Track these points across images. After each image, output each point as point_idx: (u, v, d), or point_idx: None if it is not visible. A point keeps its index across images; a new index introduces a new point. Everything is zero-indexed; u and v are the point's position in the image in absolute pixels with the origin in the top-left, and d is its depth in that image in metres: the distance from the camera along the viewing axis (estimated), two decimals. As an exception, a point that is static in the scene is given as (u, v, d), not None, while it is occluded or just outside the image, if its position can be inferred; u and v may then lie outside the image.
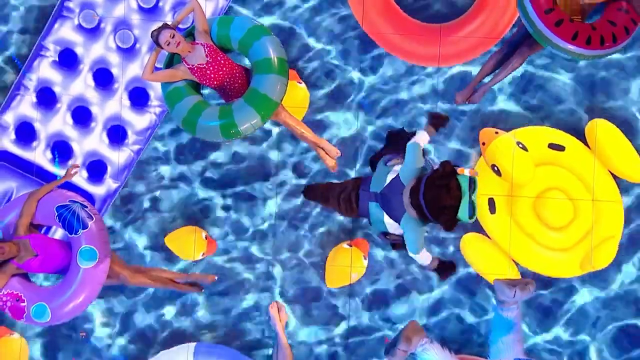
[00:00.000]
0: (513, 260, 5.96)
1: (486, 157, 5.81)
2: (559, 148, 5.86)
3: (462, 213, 4.66)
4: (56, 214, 5.30)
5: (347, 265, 6.14)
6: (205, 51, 5.44)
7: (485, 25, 6.06)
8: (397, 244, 5.42)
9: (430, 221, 4.89)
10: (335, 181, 5.91)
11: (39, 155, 5.99)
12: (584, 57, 5.24)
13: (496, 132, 5.86)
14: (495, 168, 5.79)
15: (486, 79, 5.88)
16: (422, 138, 4.97)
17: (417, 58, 6.12)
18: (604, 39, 5.18)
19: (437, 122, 5.15)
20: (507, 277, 5.80)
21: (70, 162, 6.03)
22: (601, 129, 5.87)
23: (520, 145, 5.80)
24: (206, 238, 6.09)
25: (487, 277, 6.00)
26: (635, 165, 5.88)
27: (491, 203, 5.90)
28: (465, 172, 4.75)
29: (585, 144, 5.91)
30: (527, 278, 5.61)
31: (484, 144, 5.86)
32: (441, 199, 4.73)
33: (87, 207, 5.35)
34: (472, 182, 4.77)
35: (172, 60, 5.57)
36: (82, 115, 6.06)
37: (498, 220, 5.87)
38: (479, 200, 5.74)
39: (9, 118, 5.95)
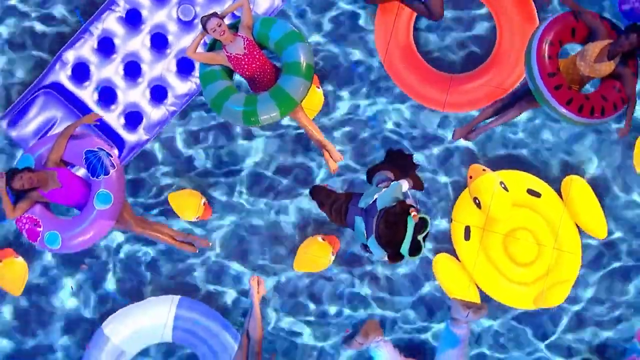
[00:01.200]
0: (476, 285, 6.30)
1: (470, 189, 6.22)
2: (536, 194, 6.27)
3: (404, 249, 4.88)
4: (84, 156, 5.67)
5: (316, 255, 6.53)
6: (244, 44, 5.81)
7: (492, 80, 6.44)
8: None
9: None
10: (334, 189, 6.20)
11: (88, 94, 6.42)
12: (573, 122, 5.65)
13: (484, 170, 6.25)
14: (477, 201, 6.18)
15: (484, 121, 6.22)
16: (405, 184, 5.28)
17: (426, 100, 6.52)
18: (594, 110, 5.60)
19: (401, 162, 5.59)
20: (466, 298, 6.15)
21: (112, 107, 6.47)
22: (575, 186, 6.29)
23: (503, 186, 6.21)
24: (204, 204, 6.46)
25: (449, 295, 6.34)
26: (600, 224, 6.28)
27: (467, 231, 6.30)
28: (415, 215, 4.93)
29: (560, 195, 6.28)
30: (483, 303, 5.95)
31: (471, 177, 6.26)
32: (387, 233, 5.01)
33: (111, 156, 5.73)
34: (424, 224, 4.96)
35: (214, 46, 5.97)
36: (132, 69, 6.48)
37: (470, 247, 6.28)
38: (458, 226, 6.31)
39: (70, 56, 6.39)
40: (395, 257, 5.01)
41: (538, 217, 6.30)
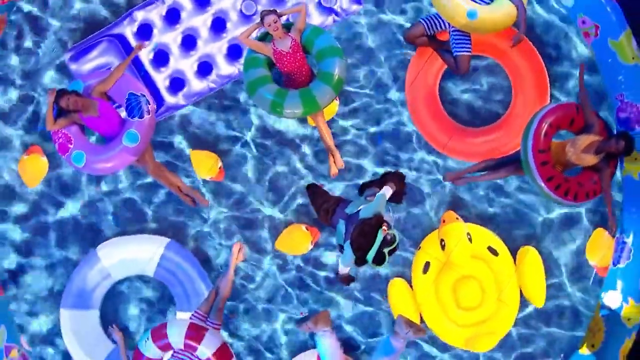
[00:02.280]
0: (420, 314, 6.72)
1: (440, 232, 6.65)
2: (494, 253, 6.68)
3: (369, 257, 5.26)
4: (127, 96, 6.23)
5: (297, 241, 6.98)
6: (291, 43, 6.28)
7: (493, 142, 6.83)
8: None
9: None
10: (328, 191, 6.63)
11: (144, 52, 6.94)
12: (549, 197, 6.06)
13: (457, 218, 6.70)
14: (443, 243, 6.62)
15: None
16: (388, 191, 5.65)
17: (430, 138, 6.94)
18: (569, 192, 6.01)
19: (395, 180, 5.83)
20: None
21: (162, 69, 6.93)
22: (529, 256, 6.70)
23: (468, 237, 6.64)
24: (220, 168, 6.97)
25: (395, 313, 6.74)
26: (540, 294, 6.67)
27: (426, 265, 6.74)
28: (385, 229, 5.33)
29: (515, 258, 6.70)
30: (423, 327, 6.30)
31: (444, 221, 6.70)
32: (358, 240, 5.34)
33: (149, 104, 6.25)
34: (392, 240, 5.33)
35: (265, 38, 6.40)
36: (189, 42, 7.01)
37: (425, 280, 6.72)
38: (420, 259, 6.76)
39: (139, 15, 6.95)
40: (361, 262, 5.38)
41: (490, 272, 6.69)
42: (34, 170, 7.17)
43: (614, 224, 6.24)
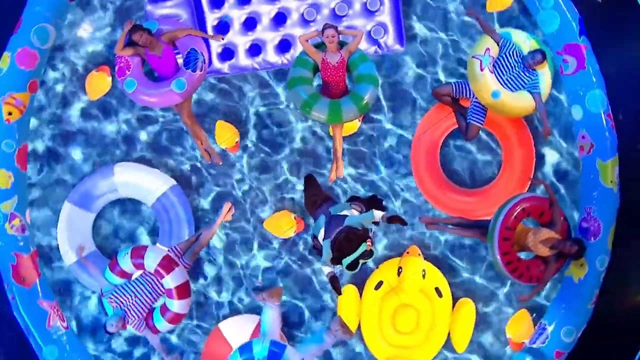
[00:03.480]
0: (359, 322, 7.34)
1: (401, 260, 7.26)
2: (439, 294, 7.28)
3: (345, 261, 5.60)
4: (189, 50, 6.90)
5: (282, 226, 7.63)
6: (339, 59, 6.73)
7: (475, 205, 7.39)
8: (317, 248, 6.43)
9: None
10: (320, 186, 6.94)
11: (210, 18, 7.59)
12: (499, 268, 6.49)
13: (419, 254, 7.33)
14: (400, 270, 7.24)
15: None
16: (378, 214, 5.97)
17: (420, 184, 7.52)
18: (516, 270, 6.44)
19: (393, 219, 6.02)
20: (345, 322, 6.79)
21: (220, 37, 7.34)
22: (465, 307, 7.32)
23: (423, 273, 7.25)
24: (236, 142, 7.62)
25: (337, 311, 7.42)
26: (463, 343, 7.31)
27: (379, 284, 7.34)
28: (369, 245, 5.62)
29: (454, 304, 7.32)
30: (353, 332, 6.67)
31: (407, 252, 7.32)
32: (343, 244, 5.63)
33: (204, 63, 6.92)
34: (369, 255, 5.63)
35: (320, 46, 6.80)
36: (249, 23, 7.59)
37: (374, 295, 7.34)
38: (375, 276, 7.34)
39: None
40: (337, 262, 5.76)
41: (429, 308, 7.30)
42: (98, 85, 7.81)
43: (531, 296, 6.73)
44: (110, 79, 7.75)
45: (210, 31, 7.60)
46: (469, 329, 7.38)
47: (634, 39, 7.14)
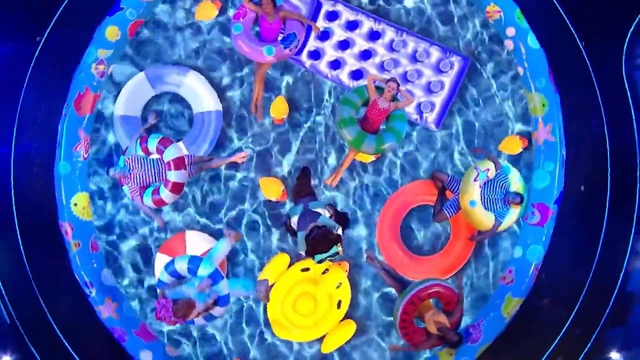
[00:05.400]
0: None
1: (332, 266, 8.23)
2: (338, 306, 8.22)
3: (316, 258, 6.44)
4: (291, 32, 8.00)
5: (271, 193, 8.59)
6: (386, 106, 7.68)
7: (412, 269, 8.33)
8: (287, 227, 7.19)
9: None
10: (310, 180, 7.99)
11: (321, 22, 8.81)
12: (394, 320, 7.24)
13: (346, 271, 8.36)
14: (326, 271, 8.28)
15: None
16: (339, 230, 6.67)
17: (381, 238, 8.52)
18: (404, 329, 7.19)
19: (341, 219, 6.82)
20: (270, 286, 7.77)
21: (317, 40, 8.65)
22: (348, 327, 8.32)
23: (338, 285, 8.29)
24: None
25: (263, 273, 8.38)
26: (330, 347, 8.25)
27: (306, 269, 8.27)
28: (340, 248, 6.44)
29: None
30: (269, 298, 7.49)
31: (340, 264, 8.40)
32: (320, 241, 6.32)
33: (296, 48, 8.05)
34: (336, 254, 6.47)
35: (378, 89, 7.74)
36: (343, 45, 8.73)
37: (296, 274, 8.28)
38: (305, 262, 8.28)
39: (340, 7, 8.78)
40: (309, 255, 6.47)
41: (326, 310, 8.22)
42: (206, 11, 8.92)
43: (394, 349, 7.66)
44: (217, 11, 8.84)
45: (313, 31, 8.74)
46: (340, 341, 8.45)
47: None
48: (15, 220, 8.26)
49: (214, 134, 8.73)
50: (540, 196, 8.62)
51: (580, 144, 8.56)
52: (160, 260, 8.53)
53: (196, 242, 8.58)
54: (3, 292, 8.12)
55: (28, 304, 8.18)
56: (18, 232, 8.29)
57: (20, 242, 8.31)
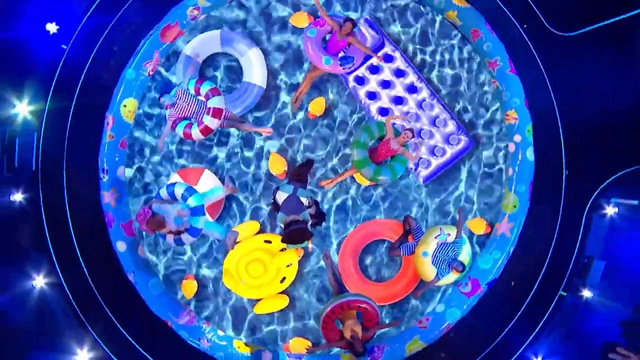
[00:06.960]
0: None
1: (291, 247, 9.12)
2: (282, 281, 9.33)
3: (289, 247, 7.58)
4: (351, 56, 8.70)
5: (275, 166, 9.50)
6: (395, 147, 8.69)
7: (371, 292, 9.20)
8: (274, 200, 7.77)
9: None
10: (309, 172, 8.44)
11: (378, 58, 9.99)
12: (321, 315, 7.91)
13: (299, 256, 9.49)
14: (284, 249, 9.35)
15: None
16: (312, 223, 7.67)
17: (342, 259, 9.47)
18: (325, 325, 7.83)
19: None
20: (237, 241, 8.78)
21: (367, 71, 9.81)
22: (282, 300, 9.53)
23: (289, 265, 9.40)
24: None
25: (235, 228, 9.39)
26: (262, 310, 9.38)
27: (268, 242, 9.29)
28: (310, 244, 7.35)
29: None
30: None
31: (297, 250, 9.47)
32: (294, 235, 7.03)
33: (348, 69, 8.79)
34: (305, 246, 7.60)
35: (395, 133, 8.77)
36: (384, 84, 9.85)
37: (258, 242, 9.23)
38: (272, 238, 9.31)
39: (389, 48, 9.85)
40: (285, 241, 7.23)
41: (271, 279, 9.29)
42: (299, 20, 9.82)
43: (309, 349, 8.40)
44: (307, 22, 9.75)
45: (366, 64, 9.98)
46: (271, 309, 9.57)
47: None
48: (74, 99, 9.48)
49: (252, 103, 9.70)
50: (478, 274, 9.72)
51: (526, 249, 9.75)
52: (174, 178, 9.41)
53: (207, 182, 9.39)
54: (41, 143, 9.41)
55: (53, 168, 9.44)
56: (71, 113, 9.50)
57: (70, 121, 9.55)
